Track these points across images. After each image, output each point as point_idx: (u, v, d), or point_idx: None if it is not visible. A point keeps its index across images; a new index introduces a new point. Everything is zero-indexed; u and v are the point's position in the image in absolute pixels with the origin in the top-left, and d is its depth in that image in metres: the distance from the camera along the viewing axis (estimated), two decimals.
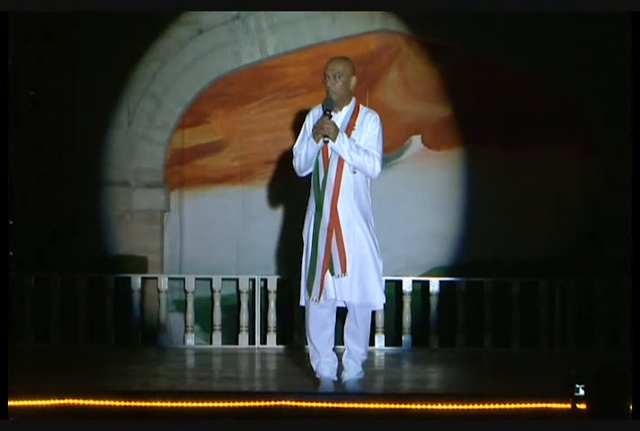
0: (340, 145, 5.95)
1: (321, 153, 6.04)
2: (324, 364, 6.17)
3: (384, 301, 6.16)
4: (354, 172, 6.02)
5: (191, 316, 8.72)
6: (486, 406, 5.45)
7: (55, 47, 8.77)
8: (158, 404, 5.48)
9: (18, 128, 8.06)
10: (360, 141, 6.02)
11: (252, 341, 8.71)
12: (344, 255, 5.98)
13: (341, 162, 6.01)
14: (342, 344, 6.22)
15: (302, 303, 6.19)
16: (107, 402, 5.47)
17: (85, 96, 8.86)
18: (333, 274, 6.00)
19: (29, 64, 8.54)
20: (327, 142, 5.96)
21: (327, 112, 5.96)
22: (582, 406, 5.31)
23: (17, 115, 8.09)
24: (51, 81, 8.74)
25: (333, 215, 5.99)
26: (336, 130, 5.95)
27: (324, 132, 5.93)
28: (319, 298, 6.02)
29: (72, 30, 8.77)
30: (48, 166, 8.78)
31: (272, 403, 5.51)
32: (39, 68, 8.68)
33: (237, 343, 8.71)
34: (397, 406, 5.52)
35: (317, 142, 5.98)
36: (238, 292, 8.80)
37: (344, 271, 5.98)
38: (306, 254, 6.13)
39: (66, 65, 8.83)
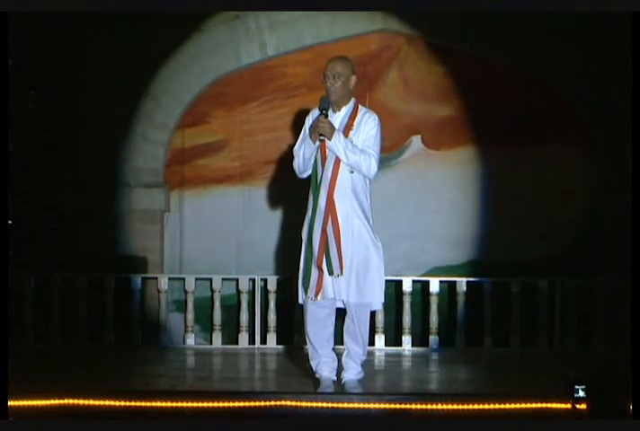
0: (335, 144, 5.97)
1: (319, 152, 6.07)
2: (323, 364, 6.18)
3: (382, 301, 6.17)
4: (352, 172, 6.04)
5: (191, 316, 8.72)
6: (486, 406, 5.46)
7: (55, 47, 8.77)
8: (158, 404, 5.49)
9: (18, 128, 8.06)
10: (357, 141, 6.04)
11: (252, 341, 8.71)
12: (341, 254, 5.99)
13: (337, 160, 6.03)
14: (342, 344, 6.23)
15: (300, 301, 6.20)
16: (107, 402, 5.49)
17: (85, 96, 8.87)
18: (330, 273, 6.00)
19: (29, 64, 8.54)
20: (323, 141, 5.98)
21: (323, 111, 5.99)
22: (582, 406, 5.31)
23: (17, 115, 8.08)
24: (51, 81, 8.74)
25: (329, 213, 6.00)
26: (332, 129, 5.96)
27: (320, 130, 5.95)
28: (315, 297, 6.03)
29: (72, 30, 8.78)
30: (49, 166, 8.78)
31: (272, 403, 5.52)
32: (39, 68, 8.68)
33: (237, 343, 8.71)
34: (397, 406, 5.53)
35: (314, 141, 6.00)
36: (238, 292, 8.80)
37: (341, 271, 5.99)
38: (303, 252, 6.15)
39: (67, 65, 8.83)
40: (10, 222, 6.03)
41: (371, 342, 8.08)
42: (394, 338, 8.76)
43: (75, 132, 8.86)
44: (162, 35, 8.82)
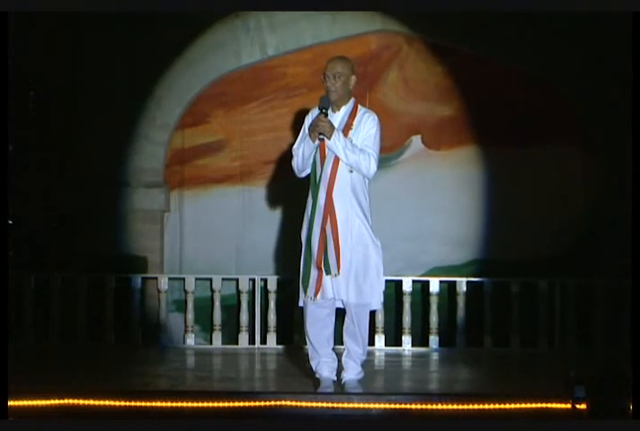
0: (335, 143, 5.97)
1: (318, 152, 6.07)
2: (323, 364, 6.18)
3: (382, 301, 6.17)
4: (351, 172, 6.04)
5: (191, 316, 8.72)
6: (486, 406, 5.46)
7: (55, 47, 8.77)
8: (158, 404, 5.50)
9: (18, 128, 8.07)
10: (357, 141, 6.04)
11: (252, 341, 8.71)
12: (339, 254, 5.98)
13: (336, 159, 6.03)
14: (342, 344, 6.23)
15: (300, 303, 6.20)
16: (107, 402, 5.49)
17: (85, 96, 8.87)
18: (327, 273, 6.00)
19: (29, 64, 8.54)
20: (323, 140, 5.98)
21: (323, 110, 5.99)
22: (581, 406, 5.31)
23: (17, 115, 8.09)
24: (51, 81, 8.74)
25: (328, 212, 6.00)
26: (331, 128, 5.96)
27: (320, 130, 5.95)
28: (315, 296, 6.03)
29: (72, 30, 8.77)
30: (49, 166, 8.78)
31: (272, 403, 5.52)
32: (39, 68, 8.68)
33: (237, 343, 8.71)
34: (397, 406, 5.53)
35: (314, 140, 6.00)
36: (238, 292, 8.80)
37: (338, 271, 5.98)
38: (303, 252, 6.15)
39: (67, 65, 8.83)
40: (10, 222, 6.03)
41: (371, 342, 8.08)
42: (394, 338, 8.76)
43: (75, 132, 8.86)
44: (162, 35, 8.82)
